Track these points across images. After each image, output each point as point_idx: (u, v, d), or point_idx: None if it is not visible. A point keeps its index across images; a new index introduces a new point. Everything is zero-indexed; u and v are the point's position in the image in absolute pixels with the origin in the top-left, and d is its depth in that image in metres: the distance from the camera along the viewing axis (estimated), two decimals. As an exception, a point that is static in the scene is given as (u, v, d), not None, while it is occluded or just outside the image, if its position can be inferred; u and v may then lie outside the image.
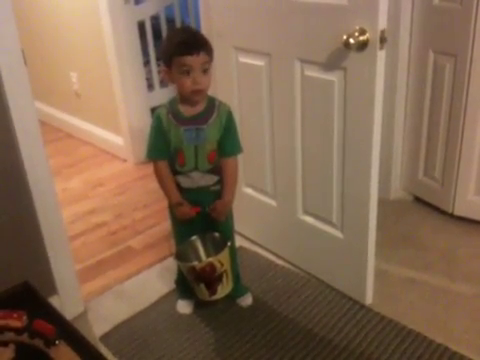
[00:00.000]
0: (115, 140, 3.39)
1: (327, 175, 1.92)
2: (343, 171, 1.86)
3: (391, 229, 2.38)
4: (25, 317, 1.35)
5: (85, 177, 3.19)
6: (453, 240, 2.32)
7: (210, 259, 1.67)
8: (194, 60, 1.55)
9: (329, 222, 2.00)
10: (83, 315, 2.00)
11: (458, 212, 2.40)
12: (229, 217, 1.85)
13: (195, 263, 1.67)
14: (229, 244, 1.72)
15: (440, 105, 2.33)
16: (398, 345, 1.77)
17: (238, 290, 1.95)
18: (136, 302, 2.00)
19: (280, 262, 2.24)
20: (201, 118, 1.67)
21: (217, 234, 1.78)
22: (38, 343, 1.28)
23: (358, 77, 1.67)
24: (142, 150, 3.17)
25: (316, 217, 2.06)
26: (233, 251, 1.87)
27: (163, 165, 1.71)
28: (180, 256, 1.76)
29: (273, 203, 2.19)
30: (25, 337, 1.31)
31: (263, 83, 2.00)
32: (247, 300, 1.98)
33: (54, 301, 1.79)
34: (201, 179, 1.73)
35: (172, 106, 1.67)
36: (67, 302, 1.93)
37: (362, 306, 1.95)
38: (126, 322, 1.95)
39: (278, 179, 2.12)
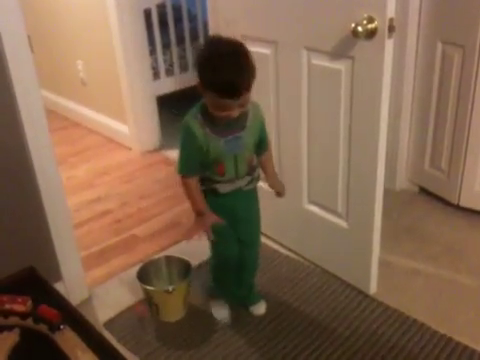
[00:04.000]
0: (121, 129, 3.38)
1: (333, 165, 1.91)
2: (349, 161, 1.85)
3: (396, 220, 2.37)
4: (30, 302, 1.35)
5: (90, 165, 3.19)
6: (458, 232, 2.32)
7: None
8: (233, 102, 1.41)
9: (334, 212, 2.00)
10: (88, 301, 2.01)
11: (464, 203, 2.39)
12: (259, 224, 1.82)
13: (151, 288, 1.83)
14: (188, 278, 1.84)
15: (447, 96, 2.31)
16: (402, 335, 1.77)
17: (251, 298, 1.92)
18: (140, 289, 2.00)
19: (285, 251, 2.24)
20: (238, 124, 1.54)
21: (185, 259, 1.87)
22: (42, 328, 1.29)
23: (366, 66, 1.65)
24: (147, 138, 3.24)
25: (321, 207, 2.06)
26: (255, 264, 1.88)
27: (195, 180, 1.60)
28: (141, 275, 1.86)
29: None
30: (30, 322, 1.31)
31: (270, 72, 1.99)
32: (260, 309, 1.91)
33: (59, 287, 1.79)
34: (239, 183, 1.64)
35: (204, 116, 1.51)
36: (72, 288, 1.94)
37: (366, 296, 1.95)
38: (130, 309, 1.96)
39: (284, 168, 2.11)
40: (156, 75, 3.35)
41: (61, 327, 1.27)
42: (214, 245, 1.78)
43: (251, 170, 1.65)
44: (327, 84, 1.81)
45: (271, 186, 1.77)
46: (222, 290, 1.93)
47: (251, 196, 1.73)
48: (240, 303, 1.92)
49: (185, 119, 1.54)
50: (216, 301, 1.93)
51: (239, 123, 1.53)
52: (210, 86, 1.40)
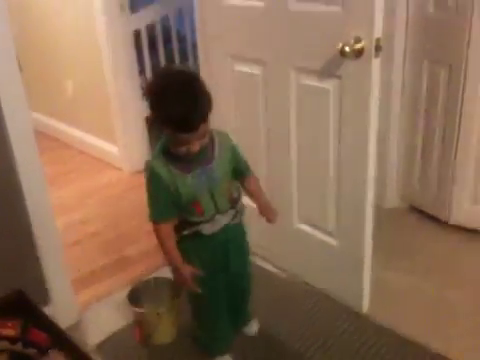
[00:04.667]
0: (110, 149, 3.38)
1: (323, 183, 1.92)
2: (339, 179, 1.86)
3: (386, 238, 2.37)
4: (19, 326, 1.33)
5: (80, 186, 3.18)
6: (449, 249, 2.32)
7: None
8: (191, 136, 1.34)
9: (325, 230, 2.00)
10: (78, 324, 1.98)
11: (454, 221, 2.40)
12: (249, 267, 1.75)
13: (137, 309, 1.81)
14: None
15: (435, 113, 2.34)
16: (395, 353, 1.76)
17: (243, 321, 1.86)
18: (131, 311, 1.98)
19: (275, 270, 2.23)
20: (205, 156, 1.45)
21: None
22: (31, 352, 1.27)
23: (353, 85, 1.67)
24: (137, 158, 3.22)
25: (312, 225, 2.06)
26: (249, 292, 1.80)
27: (169, 226, 1.48)
28: (132, 297, 1.84)
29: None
30: (19, 346, 1.29)
31: (259, 91, 2.00)
32: (252, 328, 1.87)
33: (48, 310, 1.77)
34: (223, 219, 1.52)
35: (166, 154, 1.42)
36: (61, 311, 1.90)
37: (359, 315, 1.94)
38: (121, 331, 1.93)
39: (274, 187, 2.11)
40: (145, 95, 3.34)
41: (49, 351, 1.25)
42: (199, 303, 1.67)
43: (233, 203, 1.54)
44: (316, 103, 1.82)
45: (261, 212, 1.64)
46: (223, 344, 1.78)
47: (240, 229, 1.64)
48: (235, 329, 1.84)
49: (147, 161, 1.46)
50: (221, 357, 1.77)
51: (205, 155, 1.45)
52: (164, 122, 1.34)
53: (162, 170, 1.41)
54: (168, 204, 1.45)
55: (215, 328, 1.73)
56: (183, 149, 1.37)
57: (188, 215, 1.48)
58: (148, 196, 1.46)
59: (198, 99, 1.33)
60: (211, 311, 1.69)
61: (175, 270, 1.50)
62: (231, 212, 1.54)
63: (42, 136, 3.61)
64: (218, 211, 1.50)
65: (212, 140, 1.47)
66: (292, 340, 1.84)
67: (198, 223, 1.49)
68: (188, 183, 1.43)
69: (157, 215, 1.47)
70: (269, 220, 1.64)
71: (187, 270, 1.48)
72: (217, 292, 1.64)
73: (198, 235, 1.51)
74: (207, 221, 1.49)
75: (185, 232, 1.51)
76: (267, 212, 1.64)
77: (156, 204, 1.46)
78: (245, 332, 1.86)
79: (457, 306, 1.97)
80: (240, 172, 1.59)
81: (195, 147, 1.37)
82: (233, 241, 1.60)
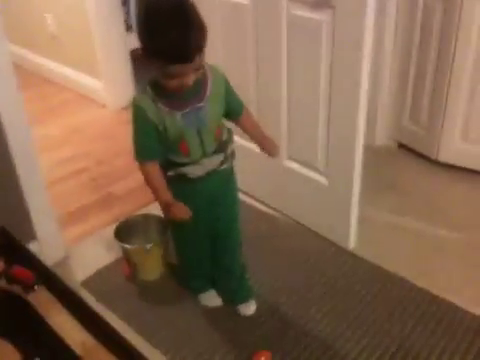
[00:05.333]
0: (94, 85, 3.27)
1: (313, 120, 1.88)
2: (329, 116, 1.82)
3: (375, 175, 2.36)
4: (2, 263, 1.31)
5: (64, 123, 3.09)
6: (437, 186, 2.33)
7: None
8: (185, 67, 1.23)
9: (314, 168, 1.98)
10: (64, 261, 1.98)
11: (442, 158, 2.39)
12: (237, 217, 1.65)
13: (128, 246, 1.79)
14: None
15: (429, 49, 2.27)
16: (380, 288, 1.79)
17: (241, 295, 1.74)
18: (118, 248, 1.98)
19: (264, 208, 2.22)
20: (196, 94, 1.35)
21: (162, 217, 1.65)
22: (16, 289, 1.25)
23: (347, 16, 1.60)
24: (121, 94, 3.13)
25: (301, 163, 2.04)
26: (240, 248, 1.70)
27: (155, 165, 1.41)
28: (119, 233, 1.81)
29: (257, 149, 2.14)
30: (3, 283, 1.27)
31: (248, 23, 1.92)
32: (249, 309, 1.72)
33: (34, 247, 1.76)
34: (209, 163, 1.45)
35: (155, 90, 1.32)
36: (47, 248, 1.90)
37: (345, 251, 1.96)
38: (109, 267, 1.93)
39: (263, 124, 2.04)
40: (129, 28, 3.23)
41: (35, 287, 1.24)
42: (182, 242, 1.66)
43: (222, 146, 1.47)
44: (307, 35, 1.75)
45: (261, 147, 1.55)
46: (202, 285, 1.77)
47: (229, 177, 1.57)
48: (227, 298, 1.76)
49: (134, 97, 1.37)
50: (205, 293, 1.77)
51: (197, 92, 1.35)
52: (155, 53, 1.21)
53: (149, 107, 1.32)
54: (154, 143, 1.38)
55: (190, 267, 1.73)
56: (176, 83, 1.26)
57: (173, 155, 1.42)
58: (133, 134, 1.39)
59: (192, 25, 1.20)
60: (190, 253, 1.68)
61: (165, 207, 1.43)
62: (219, 156, 1.46)
63: (24, 72, 3.49)
64: (205, 154, 1.43)
65: (205, 76, 1.36)
66: (276, 276, 1.86)
67: (183, 165, 1.43)
68: (177, 121, 1.34)
69: (143, 154, 1.40)
70: (271, 154, 1.56)
71: (179, 209, 1.40)
72: (197, 237, 1.61)
73: (183, 178, 1.45)
74: (193, 163, 1.43)
75: (170, 173, 1.45)
76: (267, 146, 1.55)
77: (142, 143, 1.39)
78: (240, 310, 1.72)
79: (443, 243, 1.99)
80: (234, 111, 1.49)
81: (189, 80, 1.26)
82: (220, 189, 1.53)
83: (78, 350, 1.07)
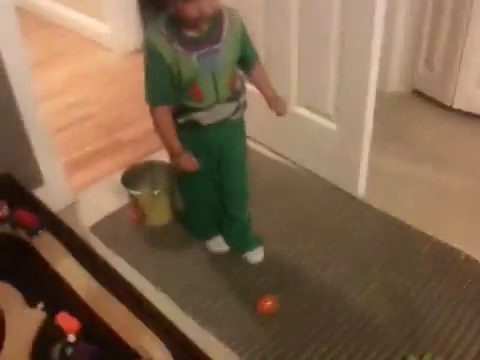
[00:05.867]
0: (100, 28, 3.19)
1: (324, 64, 1.82)
2: (341, 59, 1.76)
3: (386, 122, 2.31)
4: (6, 207, 1.31)
5: (69, 68, 3.03)
6: (450, 134, 2.28)
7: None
8: None
9: (324, 114, 1.94)
10: (72, 206, 1.98)
11: (457, 105, 2.33)
12: (245, 167, 1.61)
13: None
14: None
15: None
16: (388, 236, 1.78)
17: (247, 243, 1.73)
18: (126, 193, 1.97)
19: (273, 155, 2.20)
20: (212, 36, 1.30)
21: (169, 163, 1.61)
22: (21, 233, 1.25)
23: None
24: (128, 38, 3.05)
25: (311, 109, 1.99)
26: (247, 197, 1.67)
27: (167, 110, 1.36)
28: (126, 179, 1.80)
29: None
30: (7, 227, 1.27)
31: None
32: (257, 256, 1.72)
33: (41, 192, 1.75)
34: (222, 110, 1.40)
35: (170, 29, 1.27)
36: (55, 193, 1.89)
37: (354, 198, 1.94)
38: (117, 213, 1.94)
39: (272, 69, 1.97)
40: (135, -33, 3.09)
41: (39, 232, 1.24)
42: (187, 190, 1.65)
43: (235, 94, 1.42)
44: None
45: (269, 105, 1.51)
46: (209, 231, 1.78)
47: (240, 129, 1.53)
48: (234, 245, 1.76)
49: (147, 36, 1.30)
50: (212, 240, 1.77)
51: (213, 34, 1.30)
52: None
53: (164, 48, 1.27)
54: (168, 85, 1.32)
55: (196, 213, 1.73)
56: (193, 10, 1.19)
57: (185, 100, 1.36)
58: (146, 76, 1.33)
59: None
60: (196, 201, 1.68)
61: (173, 156, 1.43)
62: (232, 105, 1.42)
63: (23, 13, 3.40)
64: (218, 99, 1.37)
65: (221, 18, 1.31)
66: (285, 221, 1.86)
67: (195, 110, 1.38)
68: (193, 63, 1.28)
69: (155, 98, 1.35)
70: (279, 113, 1.52)
71: (187, 161, 1.40)
72: (203, 186, 1.59)
73: (195, 125, 1.40)
74: (205, 109, 1.38)
75: (180, 120, 1.40)
76: (276, 104, 1.51)
77: (155, 85, 1.34)
78: (248, 258, 1.72)
79: (451, 191, 1.97)
80: (248, 60, 1.44)
81: (207, 6, 1.20)
82: (230, 139, 1.50)
83: (83, 294, 1.08)
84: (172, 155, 1.43)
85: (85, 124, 2.51)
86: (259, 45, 1.95)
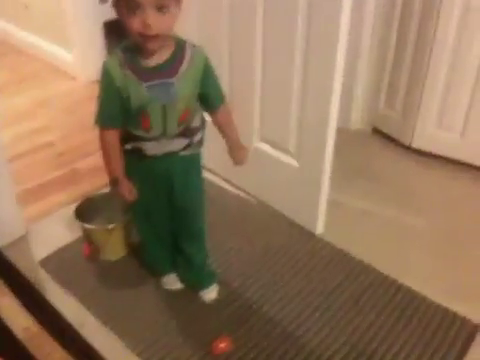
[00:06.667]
0: (64, 55, 3.16)
1: (286, 101, 1.82)
2: (303, 97, 1.76)
3: (348, 160, 2.33)
4: None
5: (32, 95, 2.98)
6: (409, 173, 2.30)
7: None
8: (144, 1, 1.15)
9: (286, 150, 1.93)
10: (24, 238, 1.90)
11: (416, 145, 2.37)
12: (200, 207, 1.57)
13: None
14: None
15: (407, 35, 2.23)
16: (347, 275, 1.76)
17: (202, 281, 1.68)
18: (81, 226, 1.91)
19: (232, 189, 2.17)
20: (168, 68, 1.28)
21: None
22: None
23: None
24: (92, 67, 3.01)
25: (273, 145, 1.98)
26: (203, 237, 1.64)
27: (114, 134, 1.35)
28: (80, 212, 1.75)
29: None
30: None
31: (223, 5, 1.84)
32: (211, 294, 1.67)
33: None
34: (169, 144, 1.38)
35: (127, 55, 1.27)
36: (6, 224, 1.82)
37: (313, 235, 1.93)
38: (70, 246, 1.87)
39: (235, 104, 1.99)
40: (103, -1, 3.10)
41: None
42: (141, 224, 1.62)
43: (188, 131, 1.39)
44: (283, 15, 1.68)
45: (229, 151, 1.48)
46: (160, 268, 1.72)
47: (192, 165, 1.48)
48: (188, 284, 1.70)
49: (104, 60, 1.30)
50: (166, 277, 1.72)
51: (169, 67, 1.28)
52: None
53: (116, 70, 1.26)
54: (117, 109, 1.30)
55: (149, 249, 1.69)
56: (135, 23, 1.16)
57: (134, 128, 1.34)
58: (98, 97, 1.33)
59: None
60: (145, 233, 1.64)
61: (112, 182, 1.41)
62: (182, 141, 1.39)
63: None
64: (165, 132, 1.35)
65: (182, 52, 1.30)
66: (244, 259, 1.82)
67: (142, 139, 1.36)
68: (141, 92, 1.27)
69: (103, 120, 1.34)
70: (236, 163, 1.50)
71: (125, 186, 1.40)
72: (155, 220, 1.56)
73: (140, 154, 1.38)
74: (152, 139, 1.36)
75: (127, 146, 1.38)
76: (236, 154, 1.49)
77: (105, 107, 1.32)
78: (202, 296, 1.67)
79: (411, 231, 1.97)
80: (211, 100, 1.40)
81: (151, 20, 1.15)
82: (180, 175, 1.45)
83: (20, 335, 1.01)
84: (112, 180, 1.41)
85: (43, 153, 2.45)
86: (223, 82, 1.96)
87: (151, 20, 1.16)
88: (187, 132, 1.39)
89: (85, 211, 1.79)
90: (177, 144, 1.39)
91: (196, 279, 1.69)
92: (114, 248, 1.80)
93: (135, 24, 1.17)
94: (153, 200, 1.46)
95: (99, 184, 2.16)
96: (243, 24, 1.82)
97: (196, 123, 1.41)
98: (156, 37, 1.20)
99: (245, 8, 1.78)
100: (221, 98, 1.43)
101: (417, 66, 2.23)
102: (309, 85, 1.72)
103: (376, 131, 2.56)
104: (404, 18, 2.22)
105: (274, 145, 1.98)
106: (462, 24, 2.04)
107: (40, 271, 1.73)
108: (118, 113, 1.31)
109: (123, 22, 1.21)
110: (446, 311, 1.62)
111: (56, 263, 1.79)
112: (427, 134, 2.32)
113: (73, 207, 1.81)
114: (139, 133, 1.35)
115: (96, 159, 2.33)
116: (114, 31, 3.22)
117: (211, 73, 1.37)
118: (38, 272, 1.72)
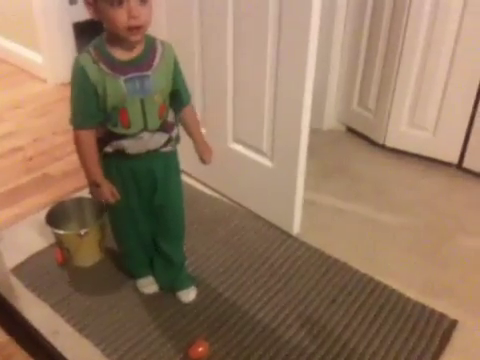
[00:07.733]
0: (34, 58, 3.09)
1: (259, 102, 1.81)
2: (275, 97, 1.76)
3: (322, 159, 2.34)
4: None
5: (1, 98, 2.91)
6: (383, 171, 2.32)
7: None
8: None
9: (259, 151, 1.92)
10: (-7, 246, 1.85)
11: (389, 143, 2.39)
12: (180, 205, 1.57)
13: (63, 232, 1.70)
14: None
15: (378, 34, 2.25)
16: (323, 274, 1.76)
17: (180, 282, 1.66)
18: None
19: (208, 191, 2.16)
20: (143, 62, 1.28)
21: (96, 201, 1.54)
22: None
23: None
24: (63, 69, 2.96)
25: (246, 145, 1.97)
26: (183, 236, 1.63)
27: (91, 135, 1.31)
28: (51, 218, 1.70)
29: (202, 131, 2.07)
30: None
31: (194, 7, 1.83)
32: (189, 295, 1.64)
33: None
34: (151, 141, 1.36)
35: (100, 51, 1.25)
36: (-26, 232, 1.77)
37: (289, 236, 1.92)
38: (42, 253, 1.82)
39: (208, 106, 1.99)
40: (73, 0, 3.05)
41: None
42: (117, 226, 1.58)
43: (166, 127, 1.38)
44: (254, 11, 1.67)
45: (197, 149, 1.50)
46: (140, 270, 1.69)
47: (172, 163, 1.48)
48: (165, 286, 1.68)
49: (74, 58, 1.26)
50: (142, 279, 1.69)
51: (143, 61, 1.28)
52: None
53: (90, 67, 1.23)
54: (93, 107, 1.27)
55: (129, 251, 1.65)
56: (122, 16, 1.17)
57: (112, 126, 1.32)
58: (71, 96, 1.29)
59: None
60: (126, 235, 1.60)
61: (92, 185, 1.37)
62: (162, 136, 1.38)
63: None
64: (146, 127, 1.33)
65: (154, 47, 1.31)
66: (220, 261, 1.81)
67: (122, 137, 1.33)
68: (119, 86, 1.25)
69: (79, 119, 1.30)
70: (204, 161, 1.51)
71: (106, 187, 1.36)
72: (134, 221, 1.53)
73: (121, 154, 1.36)
74: (132, 137, 1.33)
75: (108, 148, 1.36)
76: (203, 152, 1.50)
77: (79, 106, 1.29)
78: (180, 297, 1.65)
79: (387, 228, 1.98)
80: (179, 98, 1.40)
81: (137, 11, 1.17)
82: (161, 173, 1.44)
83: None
84: (91, 183, 1.37)
85: (13, 157, 2.39)
86: (195, 83, 1.94)
87: (137, 10, 1.18)
88: (166, 126, 1.38)
89: (57, 216, 1.75)
90: (158, 140, 1.38)
91: (175, 279, 1.66)
92: (88, 253, 1.76)
93: (121, 17, 1.18)
94: (135, 200, 1.44)
95: (71, 188, 2.12)
96: (214, 25, 1.81)
97: (171, 118, 1.41)
98: (140, 28, 1.21)
99: (215, 8, 1.77)
100: (188, 96, 1.45)
101: (389, 65, 2.24)
102: (281, 85, 1.71)
103: (350, 130, 2.58)
104: (375, 17, 2.24)
105: (248, 146, 1.97)
106: (432, 22, 2.06)
107: (12, 278, 1.69)
108: (95, 110, 1.28)
109: (101, 19, 1.22)
110: (423, 307, 1.63)
111: (29, 270, 1.74)
112: (400, 132, 2.34)
113: (45, 212, 1.77)
114: (119, 131, 1.32)
115: (67, 163, 2.31)
116: (84, 32, 3.18)
117: (180, 70, 1.39)
118: (10, 280, 1.67)
